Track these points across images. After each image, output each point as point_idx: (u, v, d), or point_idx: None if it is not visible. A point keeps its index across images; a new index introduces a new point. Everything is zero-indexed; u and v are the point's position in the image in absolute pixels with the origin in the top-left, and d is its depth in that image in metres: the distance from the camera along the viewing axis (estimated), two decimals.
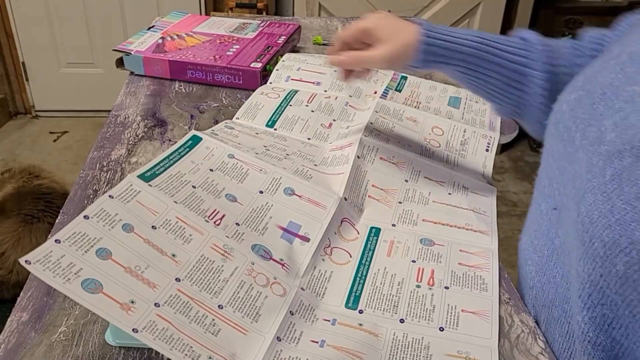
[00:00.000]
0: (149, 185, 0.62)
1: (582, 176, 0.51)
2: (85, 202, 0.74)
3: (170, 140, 0.89)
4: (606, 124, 0.50)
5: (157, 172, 0.65)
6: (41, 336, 0.56)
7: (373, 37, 0.71)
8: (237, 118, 0.92)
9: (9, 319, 0.57)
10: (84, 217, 0.54)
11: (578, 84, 0.58)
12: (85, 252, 0.51)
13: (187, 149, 0.71)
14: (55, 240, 0.50)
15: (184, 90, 1.05)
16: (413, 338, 0.57)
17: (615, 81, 0.52)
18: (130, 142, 0.88)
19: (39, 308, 0.59)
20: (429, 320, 0.59)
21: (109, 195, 0.57)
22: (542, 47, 0.69)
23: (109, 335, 0.56)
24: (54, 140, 2.65)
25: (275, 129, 0.89)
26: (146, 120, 0.94)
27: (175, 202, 0.61)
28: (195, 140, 0.74)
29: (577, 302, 0.52)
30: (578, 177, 0.52)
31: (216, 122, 0.94)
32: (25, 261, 0.47)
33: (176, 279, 0.54)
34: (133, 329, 0.47)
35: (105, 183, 0.78)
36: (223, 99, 1.02)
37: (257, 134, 0.85)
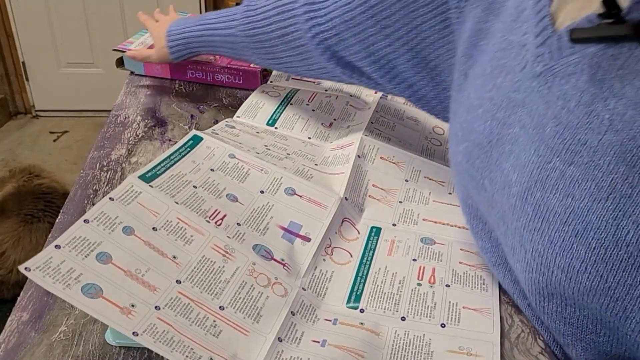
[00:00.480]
0: (150, 186, 0.62)
1: (509, 217, 0.52)
2: (85, 201, 0.74)
3: (170, 140, 0.89)
4: (505, 167, 0.52)
5: (158, 173, 0.65)
6: (41, 336, 0.56)
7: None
8: (238, 116, 0.92)
9: (9, 319, 0.57)
10: (84, 221, 0.54)
11: (459, 133, 0.60)
12: (86, 257, 0.51)
13: (188, 149, 0.71)
14: (55, 246, 0.50)
15: (184, 90, 1.05)
16: (414, 335, 0.57)
17: (494, 128, 0.54)
18: (130, 142, 0.88)
19: (39, 308, 0.59)
20: (430, 317, 0.59)
21: (110, 198, 0.57)
22: (242, 13, 0.83)
23: (109, 335, 0.56)
24: (54, 140, 2.65)
25: (275, 128, 0.89)
26: (146, 120, 0.94)
27: (176, 202, 0.61)
28: (196, 140, 0.74)
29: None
30: (506, 218, 0.53)
31: (216, 122, 0.93)
32: (25, 268, 0.47)
33: (177, 281, 0.54)
34: (133, 333, 0.47)
35: (106, 183, 0.78)
36: (223, 98, 1.02)
37: (257, 132, 0.85)
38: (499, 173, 0.53)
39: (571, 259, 0.46)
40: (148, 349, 0.55)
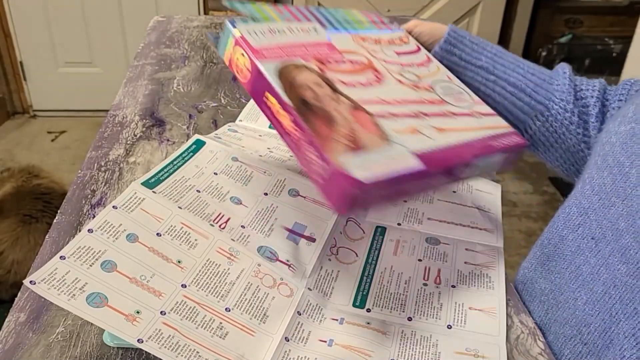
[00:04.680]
0: (153, 192, 0.62)
1: None
2: (83, 202, 0.73)
3: (168, 140, 0.88)
4: None
5: (161, 179, 0.65)
6: (39, 337, 0.55)
7: None
8: (240, 120, 0.91)
9: (7, 320, 0.57)
10: (88, 230, 0.54)
11: (628, 114, 0.56)
12: (90, 266, 0.51)
13: (191, 154, 0.71)
14: (60, 257, 0.51)
15: (182, 90, 1.04)
16: (421, 336, 0.57)
17: None
18: (128, 142, 0.87)
19: (37, 308, 0.58)
20: (436, 318, 0.59)
21: (113, 206, 0.57)
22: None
23: (107, 336, 0.55)
24: (52, 140, 2.64)
25: None
26: (144, 120, 0.93)
27: (179, 207, 0.61)
28: (199, 144, 0.73)
29: (629, 340, 0.50)
30: (638, 215, 0.50)
31: (215, 122, 0.93)
32: (30, 282, 0.47)
33: (182, 285, 0.54)
34: (138, 340, 0.47)
35: (104, 183, 0.77)
36: (222, 98, 1.02)
37: (260, 136, 0.85)
38: None
39: None
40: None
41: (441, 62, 0.73)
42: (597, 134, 0.68)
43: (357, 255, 0.66)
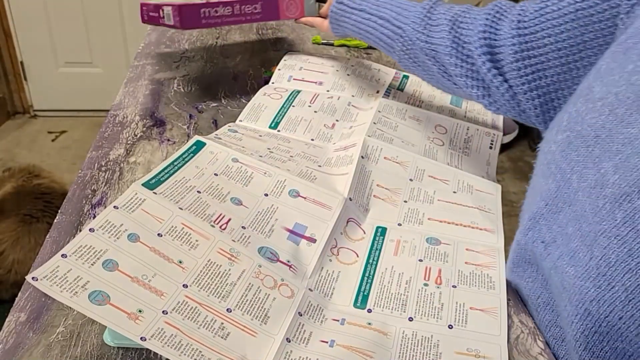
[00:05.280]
0: (154, 193, 0.62)
1: (588, 219, 0.50)
2: (84, 202, 0.73)
3: (169, 140, 0.88)
4: (605, 166, 0.50)
5: (161, 180, 0.65)
6: (39, 336, 0.55)
7: None
8: (241, 120, 0.91)
9: (7, 319, 0.57)
10: (90, 229, 0.54)
11: (563, 123, 0.58)
12: (92, 264, 0.51)
13: (192, 154, 0.71)
14: (62, 255, 0.51)
15: (182, 90, 1.04)
16: (422, 336, 0.57)
17: (608, 123, 0.51)
18: (128, 142, 0.87)
19: (37, 308, 0.58)
20: (437, 318, 0.58)
21: (114, 206, 0.58)
22: (417, 23, 0.80)
23: (108, 335, 0.55)
24: (53, 140, 2.64)
25: (278, 131, 0.88)
26: (145, 120, 0.93)
27: (180, 208, 0.61)
28: (199, 145, 0.74)
29: (579, 340, 0.51)
30: (583, 219, 0.51)
31: (215, 122, 0.93)
32: (33, 278, 0.47)
33: (183, 285, 0.54)
34: (141, 338, 0.47)
35: (104, 183, 0.77)
36: (222, 98, 1.02)
37: (260, 136, 0.85)
38: (594, 170, 0.51)
39: None
40: (146, 350, 0.55)
41: (337, 12, 0.91)
42: (451, 48, 0.73)
43: (357, 256, 0.66)
